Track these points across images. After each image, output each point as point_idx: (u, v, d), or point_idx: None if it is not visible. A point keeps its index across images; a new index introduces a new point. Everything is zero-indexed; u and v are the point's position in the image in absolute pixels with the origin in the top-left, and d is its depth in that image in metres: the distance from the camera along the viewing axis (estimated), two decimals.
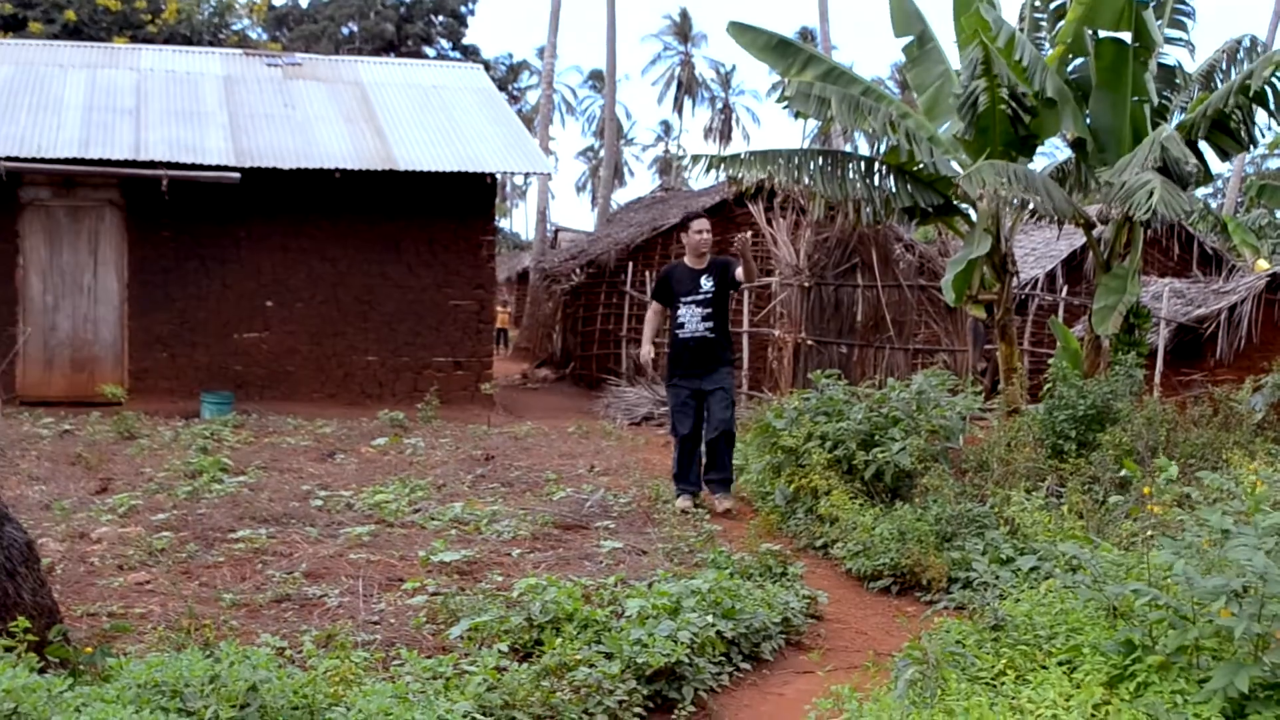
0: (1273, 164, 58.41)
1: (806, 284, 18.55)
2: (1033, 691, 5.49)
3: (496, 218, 21.57)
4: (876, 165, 13.89)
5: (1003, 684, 5.69)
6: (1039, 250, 28.24)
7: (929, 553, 8.68)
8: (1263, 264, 23.86)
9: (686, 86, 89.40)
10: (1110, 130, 13.48)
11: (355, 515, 10.35)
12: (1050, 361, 12.76)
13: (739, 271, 11.22)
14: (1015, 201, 13.21)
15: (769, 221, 19.50)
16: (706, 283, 11.22)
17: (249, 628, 6.80)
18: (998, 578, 8.19)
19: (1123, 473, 9.74)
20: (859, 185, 13.74)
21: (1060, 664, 5.88)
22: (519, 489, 12.13)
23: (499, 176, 20.62)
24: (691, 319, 11.23)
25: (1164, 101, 14.05)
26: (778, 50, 14.66)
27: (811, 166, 13.71)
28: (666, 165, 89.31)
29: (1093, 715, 5.21)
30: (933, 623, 7.12)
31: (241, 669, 4.74)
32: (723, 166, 13.92)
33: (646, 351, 11.94)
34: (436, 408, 18.18)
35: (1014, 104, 13.05)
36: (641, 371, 23.09)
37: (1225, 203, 42.20)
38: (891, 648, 7.16)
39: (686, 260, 11.58)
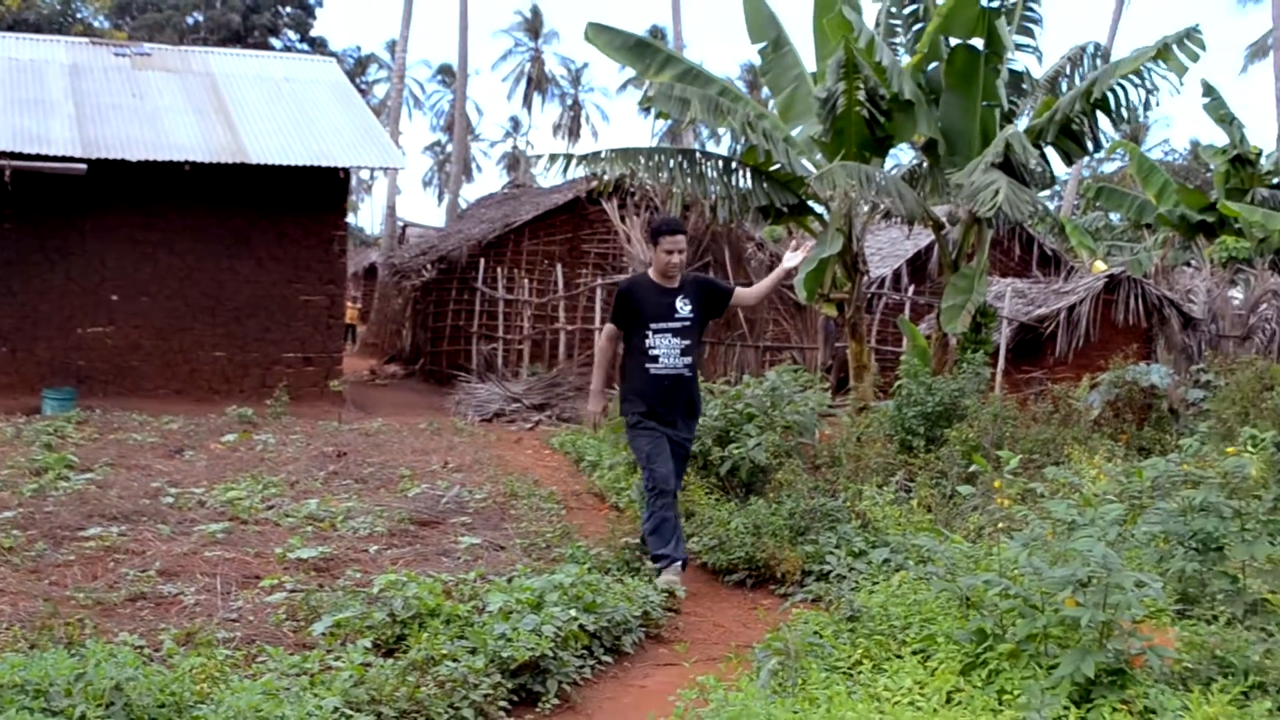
0: (1108, 168, 60.04)
1: None
2: (889, 680, 5.63)
3: (348, 212, 21.32)
4: (734, 165, 14.03)
5: (860, 673, 5.84)
6: (885, 250, 28.75)
7: (783, 546, 8.82)
8: (1100, 265, 24.62)
9: (536, 83, 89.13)
10: (961, 133, 13.82)
11: (208, 513, 10.20)
12: (902, 359, 13.04)
13: (742, 295, 9.75)
14: (868, 202, 13.46)
15: (623, 220, 19.60)
16: (683, 306, 8.83)
17: (105, 626, 6.68)
18: (851, 570, 8.37)
19: (972, 468, 9.99)
20: (717, 184, 13.89)
21: (915, 653, 6.05)
22: (373, 485, 12.06)
23: (351, 171, 20.43)
24: (667, 351, 8.77)
25: (1012, 106, 14.43)
26: (635, 51, 14.77)
27: (671, 164, 13.82)
28: (515, 161, 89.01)
29: (947, 702, 5.34)
30: (790, 615, 7.26)
31: (108, 667, 4.68)
32: (584, 164, 13.94)
33: (596, 410, 9.57)
34: (286, 404, 17.99)
35: (871, 106, 13.31)
36: (492, 368, 23.07)
37: (1063, 205, 43.30)
38: (749, 640, 7.28)
39: (652, 275, 9.00)
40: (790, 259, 9.45)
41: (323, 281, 20.28)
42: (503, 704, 5.90)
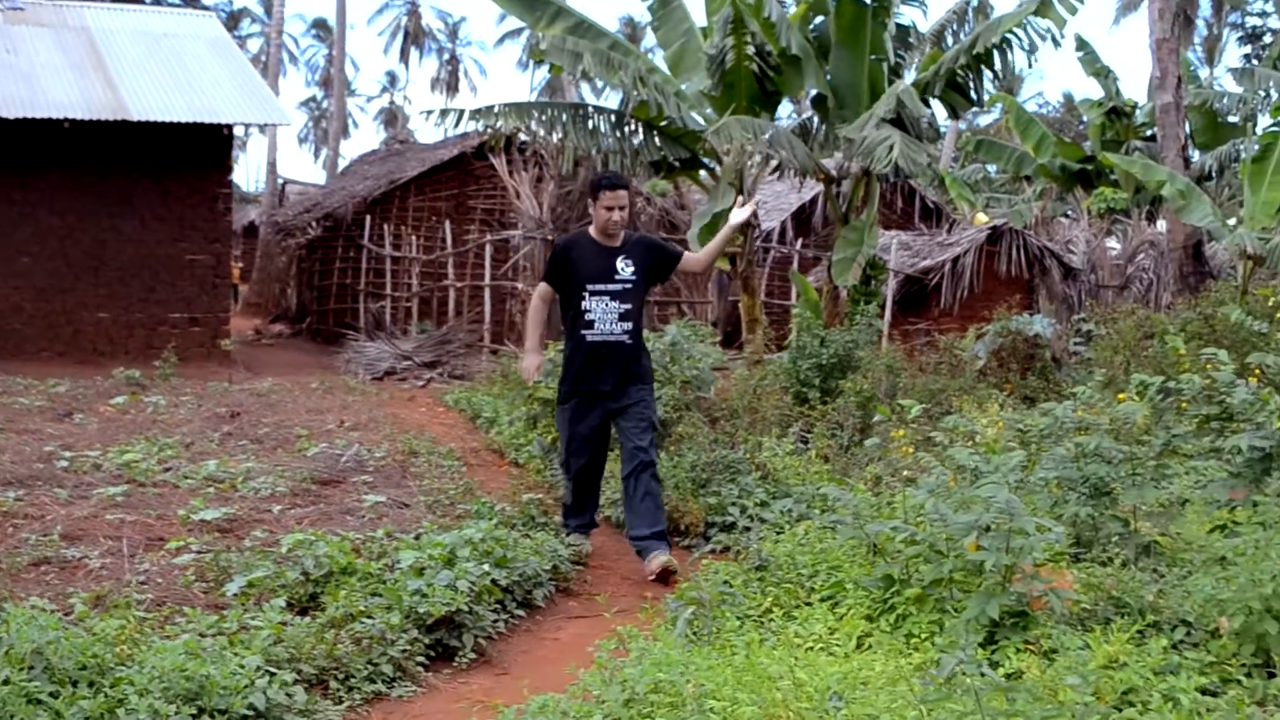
0: (983, 120, 60.86)
1: (550, 236, 18.69)
2: (800, 627, 5.75)
3: (232, 170, 21.02)
4: (626, 119, 14.08)
5: (771, 621, 5.94)
6: (770, 203, 28.92)
7: (686, 499, 8.94)
8: (982, 217, 25.04)
9: (414, 37, 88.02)
10: (849, 87, 13.97)
11: (105, 476, 10.02)
12: (794, 312, 13.19)
13: (691, 259, 8.97)
14: (759, 156, 13.57)
15: (511, 175, 19.55)
16: (625, 267, 8.13)
17: (11, 591, 6.60)
18: (754, 520, 8.52)
19: (876, 418, 10.14)
20: (609, 138, 13.94)
21: (824, 600, 6.19)
22: (269, 445, 11.96)
23: (234, 128, 20.14)
24: (604, 316, 8.08)
25: (899, 60, 14.61)
26: (526, 3, 14.71)
27: (564, 119, 13.84)
28: (392, 117, 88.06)
29: (858, 647, 5.47)
30: (699, 566, 7.37)
31: (30, 630, 4.66)
32: (477, 119, 13.90)
33: (532, 365, 8.67)
34: (175, 365, 17.73)
35: (760, 61, 13.42)
36: (381, 326, 22.94)
37: (942, 158, 43.85)
38: (656, 591, 7.38)
39: (592, 232, 8.32)
40: (737, 215, 8.71)
41: (208, 240, 19.97)
42: (420, 659, 5.94)
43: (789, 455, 9.65)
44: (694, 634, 5.72)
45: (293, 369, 20.40)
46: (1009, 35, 13.33)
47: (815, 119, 14.76)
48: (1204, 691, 4.81)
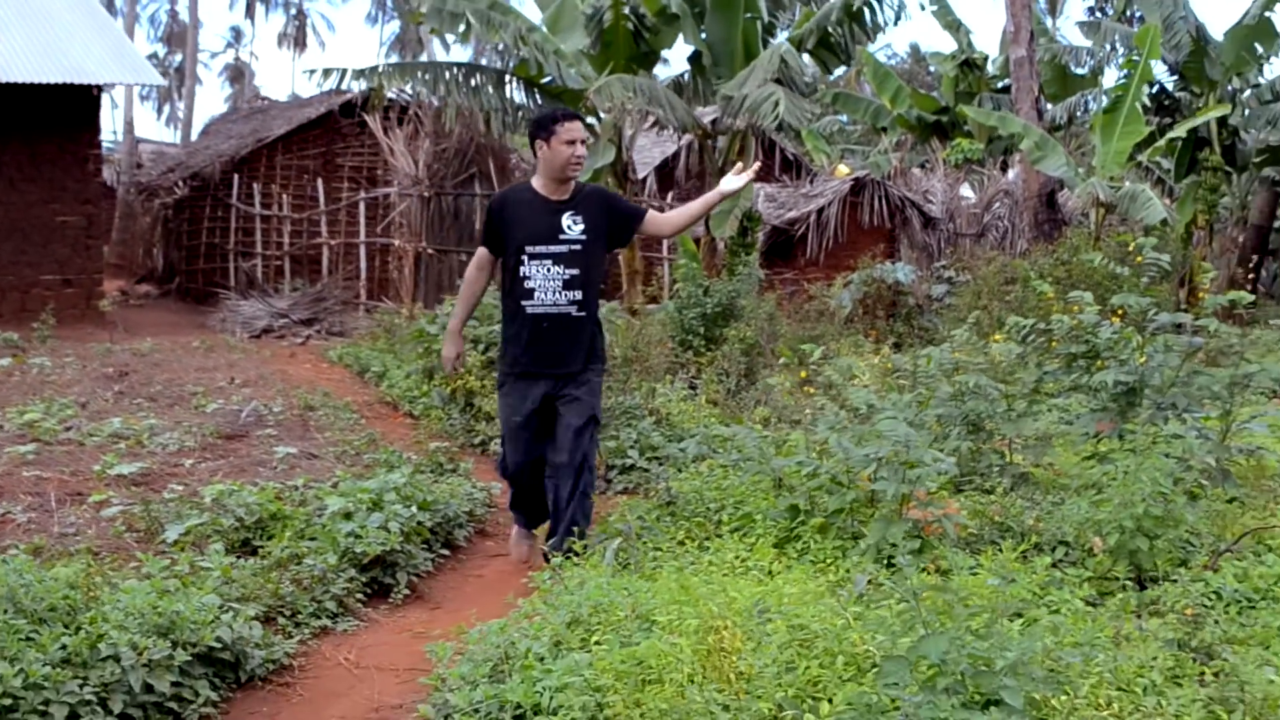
0: (838, 71, 61.57)
1: (426, 194, 18.91)
2: (713, 556, 6.15)
3: (101, 130, 20.84)
4: (508, 77, 14.37)
5: (686, 552, 6.36)
6: (635, 158, 29.30)
7: None
8: (843, 169, 25.64)
9: None
10: (724, 45, 14.41)
11: (7, 435, 10.09)
12: (679, 263, 13.62)
13: (658, 220, 7.53)
14: (639, 112, 13.96)
15: (385, 132, 19.70)
16: (573, 225, 6.85)
17: None
18: (652, 462, 8.98)
19: (781, 360, 10.60)
20: (492, 97, 14.21)
21: (733, 531, 6.63)
22: (165, 403, 12.10)
23: (101, 88, 20.00)
24: (545, 284, 6.84)
25: (773, 19, 15.07)
26: None
27: (448, 77, 14.08)
28: (238, 73, 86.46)
29: (769, 572, 5.90)
30: (611, 504, 7.79)
31: (4, 573, 4.94)
32: (361, 79, 14.10)
33: (450, 355, 7.37)
34: (53, 327, 17.66)
35: (637, 20, 13.79)
36: (253, 284, 22.96)
37: None
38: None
39: (536, 184, 6.96)
40: (730, 182, 7.10)
41: (79, 201, 19.80)
42: (359, 596, 6.33)
43: (682, 401, 10.10)
44: (620, 564, 6.13)
45: (168, 329, 20.35)
46: None
47: (689, 76, 15.16)
48: (1086, 603, 5.33)
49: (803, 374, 9.50)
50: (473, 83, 14.13)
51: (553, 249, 6.81)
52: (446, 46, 54.36)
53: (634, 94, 12.97)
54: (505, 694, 4.31)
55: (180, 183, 25.94)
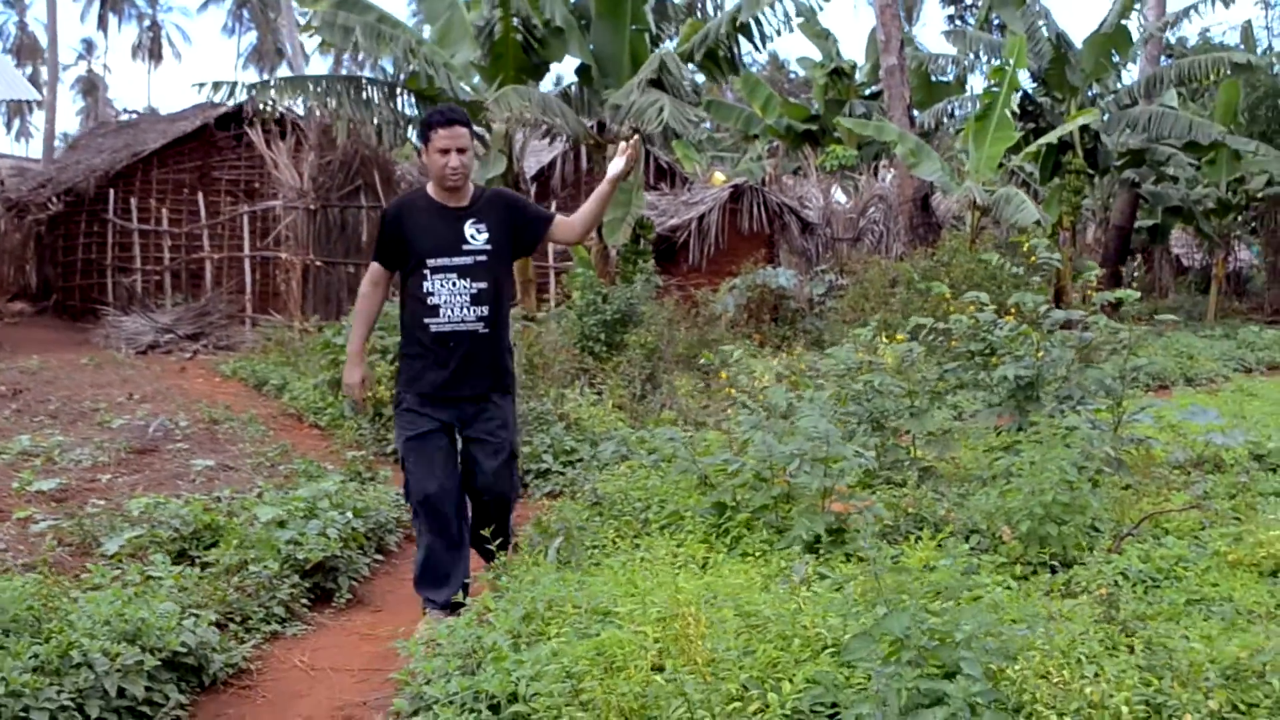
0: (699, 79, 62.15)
1: (312, 206, 18.92)
2: (645, 553, 6.38)
3: None
4: (398, 90, 14.51)
5: (618, 550, 6.60)
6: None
7: None
8: (719, 176, 26.04)
9: (111, 2, 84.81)
10: (611, 57, 14.70)
11: None
12: (576, 271, 13.86)
13: (566, 224, 6.59)
14: (531, 122, 14.18)
15: (269, 145, 19.67)
16: (476, 234, 6.22)
17: None
18: (567, 466, 9.21)
19: (702, 363, 10.79)
20: (382, 108, 14.35)
21: (662, 528, 6.87)
22: (67, 420, 12.04)
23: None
24: (450, 299, 6.18)
25: (660, 31, 15.39)
26: None
27: (339, 90, 14.18)
28: (91, 85, 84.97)
29: (703, 564, 6.16)
30: (538, 507, 8.00)
31: None
32: (254, 92, 14.14)
33: (354, 381, 6.54)
34: None
35: (526, 32, 14.02)
36: (134, 300, 22.74)
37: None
38: None
39: (430, 191, 6.34)
40: (615, 165, 6.45)
41: None
42: (304, 601, 6.49)
43: (591, 406, 10.34)
44: (561, 562, 6.34)
45: (50, 346, 20.08)
46: (767, 8, 14.24)
47: (576, 87, 15.42)
48: (1004, 587, 5.65)
49: (723, 375, 9.76)
50: (364, 96, 14.27)
51: (456, 261, 6.16)
52: (306, 59, 53.99)
53: (529, 104, 13.20)
54: (480, 684, 4.51)
55: (54, 198, 25.55)
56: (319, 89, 14.11)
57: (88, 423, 11.85)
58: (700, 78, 14.28)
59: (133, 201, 24.01)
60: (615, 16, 14.50)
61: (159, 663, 5.10)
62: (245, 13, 78.56)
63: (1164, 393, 15.05)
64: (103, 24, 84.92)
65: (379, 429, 10.89)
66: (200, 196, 23.29)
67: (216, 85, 14.17)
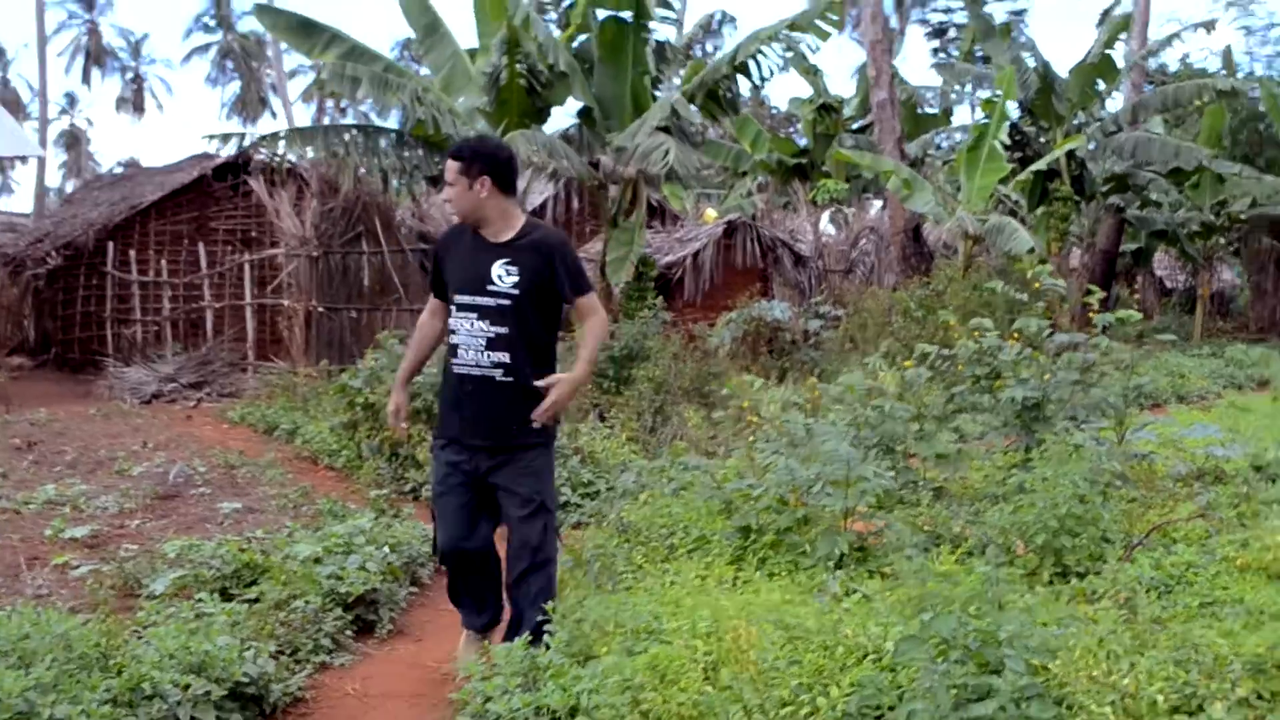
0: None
1: (314, 253, 19.15)
2: (675, 576, 6.62)
3: None
4: (405, 137, 14.79)
5: (648, 574, 6.84)
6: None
7: None
8: (711, 213, 26.36)
9: (95, 56, 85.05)
10: (614, 99, 15.04)
11: None
12: None
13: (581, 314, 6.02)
14: (539, 165, 14.48)
15: (270, 194, 19.90)
16: (505, 275, 5.81)
17: None
18: (585, 499, 9.47)
19: (725, 390, 11.04)
20: (390, 156, 14.64)
21: (689, 552, 7.12)
22: (86, 469, 12.21)
23: None
24: (469, 339, 5.87)
25: (659, 73, 15.73)
26: (302, 30, 15.28)
27: (347, 139, 14.48)
28: (74, 139, 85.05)
29: (734, 580, 6.40)
30: (567, 537, 8.22)
31: (52, 625, 5.29)
32: (265, 144, 14.44)
33: (392, 407, 6.39)
34: None
35: (531, 78, 14.33)
36: (134, 350, 22.92)
37: None
38: None
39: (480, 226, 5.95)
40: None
41: None
42: (349, 634, 6.71)
43: (605, 439, 10.59)
44: (595, 586, 6.58)
45: (53, 399, 20.21)
46: (765, 48, 14.59)
47: (577, 129, 15.74)
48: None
49: (745, 404, 10.00)
50: (371, 143, 14.57)
51: (479, 300, 5.81)
52: (289, 110, 54.38)
53: (536, 148, 13.52)
54: (541, 699, 4.75)
55: (53, 253, 25.76)
56: (327, 138, 14.40)
57: (106, 471, 12.03)
58: (697, 118, 14.57)
59: (131, 254, 24.18)
60: (617, 61, 14.83)
61: (225, 693, 5.32)
62: (229, 63, 78.83)
63: (1158, 410, 15.35)
64: (86, 77, 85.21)
65: (396, 468, 11.11)
66: (202, 246, 23.50)
67: (225, 137, 14.48)
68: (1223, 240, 30.13)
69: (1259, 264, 30.85)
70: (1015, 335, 9.48)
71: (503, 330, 5.75)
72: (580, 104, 15.35)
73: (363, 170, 15.37)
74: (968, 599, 4.63)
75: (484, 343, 5.79)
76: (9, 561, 8.24)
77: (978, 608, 4.66)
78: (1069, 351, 9.10)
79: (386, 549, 7.60)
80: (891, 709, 4.32)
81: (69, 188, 71.54)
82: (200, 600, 6.57)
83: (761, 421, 9.35)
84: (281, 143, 14.40)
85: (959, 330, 10.38)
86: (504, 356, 5.76)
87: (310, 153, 14.52)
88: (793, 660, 4.74)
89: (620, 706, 4.52)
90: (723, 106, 15.12)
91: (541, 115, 15.21)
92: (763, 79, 14.68)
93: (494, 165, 5.83)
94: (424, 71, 15.78)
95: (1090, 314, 9.12)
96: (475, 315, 5.80)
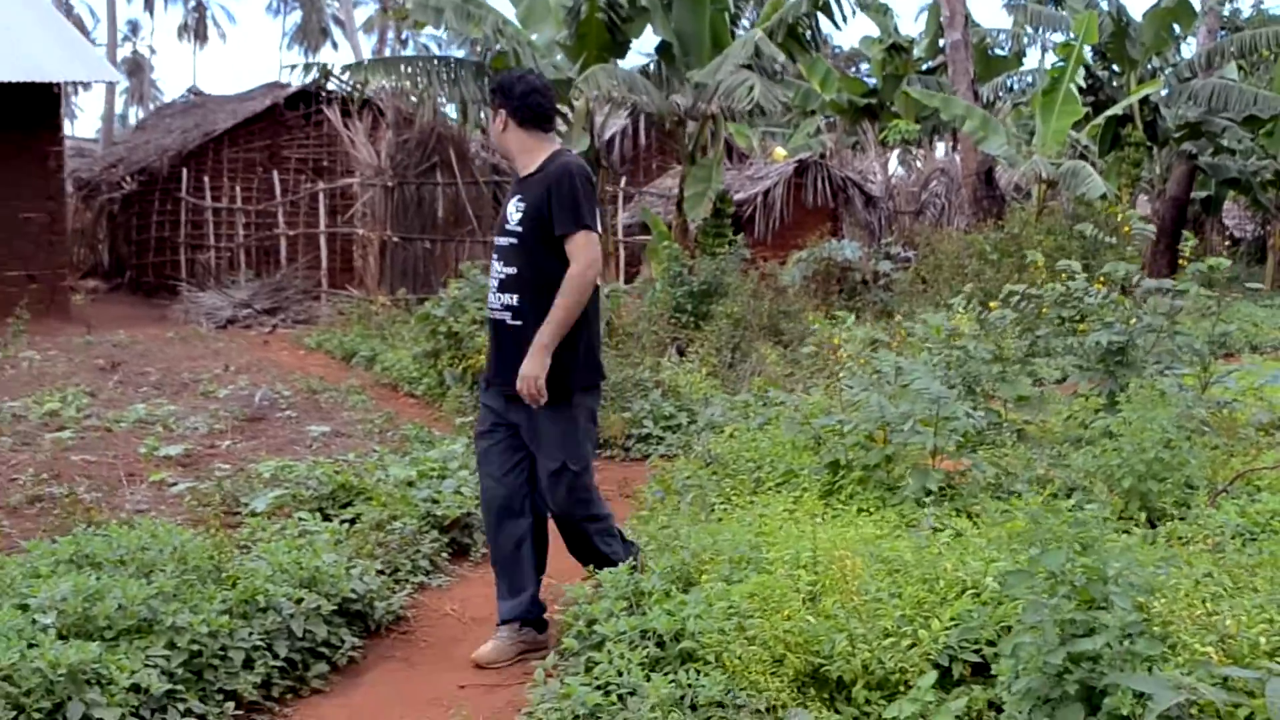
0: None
1: (389, 184, 19.31)
2: (763, 509, 6.71)
3: (62, 127, 20.96)
4: (486, 69, 14.86)
5: (737, 506, 6.94)
6: (575, 148, 29.79)
7: (607, 414, 9.89)
8: (781, 152, 26.30)
9: None
10: (692, 35, 15.04)
11: (35, 425, 10.34)
12: (663, 245, 14.18)
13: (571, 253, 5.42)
14: (618, 100, 14.54)
15: (345, 125, 20.06)
16: (515, 211, 5.56)
17: (25, 528, 7.14)
18: (666, 431, 9.58)
19: (814, 326, 11.06)
20: (472, 88, 14.70)
21: (777, 486, 7.22)
22: (172, 391, 12.43)
23: (63, 85, 20.14)
24: (493, 280, 5.68)
25: (738, 9, 15.72)
26: None
27: (429, 71, 14.56)
28: (136, 66, 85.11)
29: (824, 514, 6.49)
30: (655, 467, 8.33)
31: (170, 537, 5.46)
32: (348, 73, 14.55)
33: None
34: (27, 321, 17.84)
35: (611, 12, 14.35)
36: (208, 275, 23.23)
37: None
38: (609, 493, 8.32)
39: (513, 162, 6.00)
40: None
41: (42, 198, 19.92)
42: (445, 555, 6.87)
43: (686, 374, 10.71)
44: (695, 512, 6.70)
45: (129, 322, 20.53)
46: None
47: (656, 65, 15.76)
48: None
49: (836, 340, 10.01)
50: (452, 75, 14.64)
51: (499, 240, 5.65)
52: (354, 40, 54.35)
53: (616, 83, 13.57)
54: (648, 623, 4.87)
55: (128, 178, 26.07)
56: (410, 69, 14.50)
57: (191, 393, 12.26)
58: (780, 56, 14.53)
59: (205, 180, 24.45)
60: None
61: (334, 608, 5.49)
62: None
63: (1231, 359, 15.27)
64: (149, 5, 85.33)
65: (478, 397, 11.25)
66: (275, 175, 23.71)
67: (308, 67, 14.60)
68: None
69: None
70: (1102, 280, 9.48)
71: (511, 271, 5.54)
72: (659, 39, 15.35)
73: (443, 101, 15.39)
74: (1075, 536, 4.69)
75: (497, 284, 5.60)
76: (107, 476, 8.45)
77: (1081, 546, 4.74)
78: (1154, 296, 9.10)
79: (478, 476, 7.73)
80: (990, 643, 4.43)
81: (132, 115, 72.05)
82: (302, 519, 6.74)
83: (844, 359, 9.40)
84: (364, 72, 14.47)
85: (1044, 272, 10.38)
86: (512, 299, 5.52)
87: (393, 82, 14.58)
88: (894, 592, 4.83)
89: (726, 632, 4.63)
90: (803, 45, 15.11)
91: (620, 49, 15.24)
92: (844, 17, 14.68)
93: (508, 99, 5.57)
94: (505, 4, 15.82)
95: (1180, 260, 9.12)
96: (496, 256, 5.66)
